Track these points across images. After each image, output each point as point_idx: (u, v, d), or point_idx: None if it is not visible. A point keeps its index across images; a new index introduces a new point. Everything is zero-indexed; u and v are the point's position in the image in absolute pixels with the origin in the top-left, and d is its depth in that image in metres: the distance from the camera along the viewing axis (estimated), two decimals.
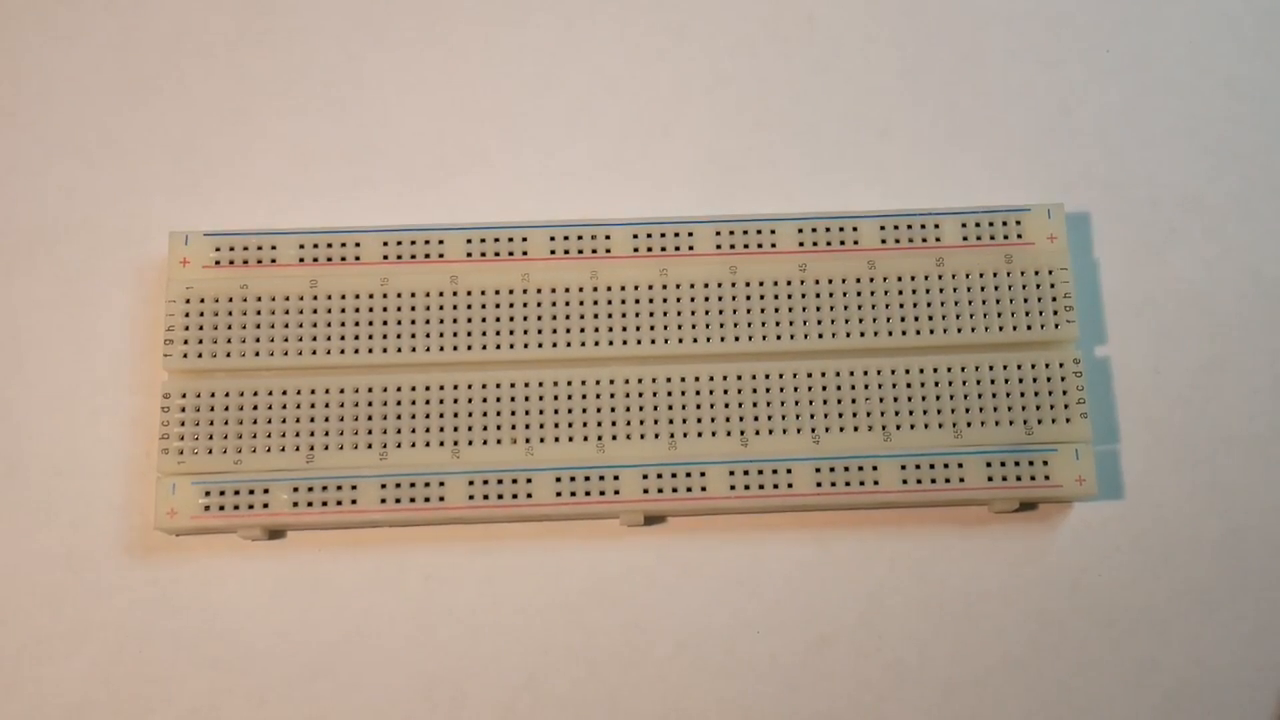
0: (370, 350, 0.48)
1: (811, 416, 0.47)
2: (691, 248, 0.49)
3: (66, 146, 0.52)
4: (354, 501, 0.47)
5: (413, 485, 0.47)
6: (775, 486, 0.47)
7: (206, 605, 0.48)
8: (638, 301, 0.48)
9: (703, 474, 0.47)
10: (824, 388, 0.48)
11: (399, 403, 0.47)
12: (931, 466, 0.47)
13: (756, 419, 0.47)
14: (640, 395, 0.47)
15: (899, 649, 0.47)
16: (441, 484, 0.47)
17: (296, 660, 0.47)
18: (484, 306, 0.48)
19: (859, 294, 0.48)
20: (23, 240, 0.51)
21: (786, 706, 0.47)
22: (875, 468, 0.47)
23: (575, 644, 0.47)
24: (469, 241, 0.49)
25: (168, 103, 0.52)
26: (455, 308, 0.48)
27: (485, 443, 0.47)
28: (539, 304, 0.48)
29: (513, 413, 0.47)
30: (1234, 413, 0.49)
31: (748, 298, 0.48)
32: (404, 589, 0.48)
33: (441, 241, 0.49)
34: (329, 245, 0.49)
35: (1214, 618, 0.47)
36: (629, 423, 0.47)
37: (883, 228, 0.49)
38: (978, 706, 0.47)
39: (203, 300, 0.48)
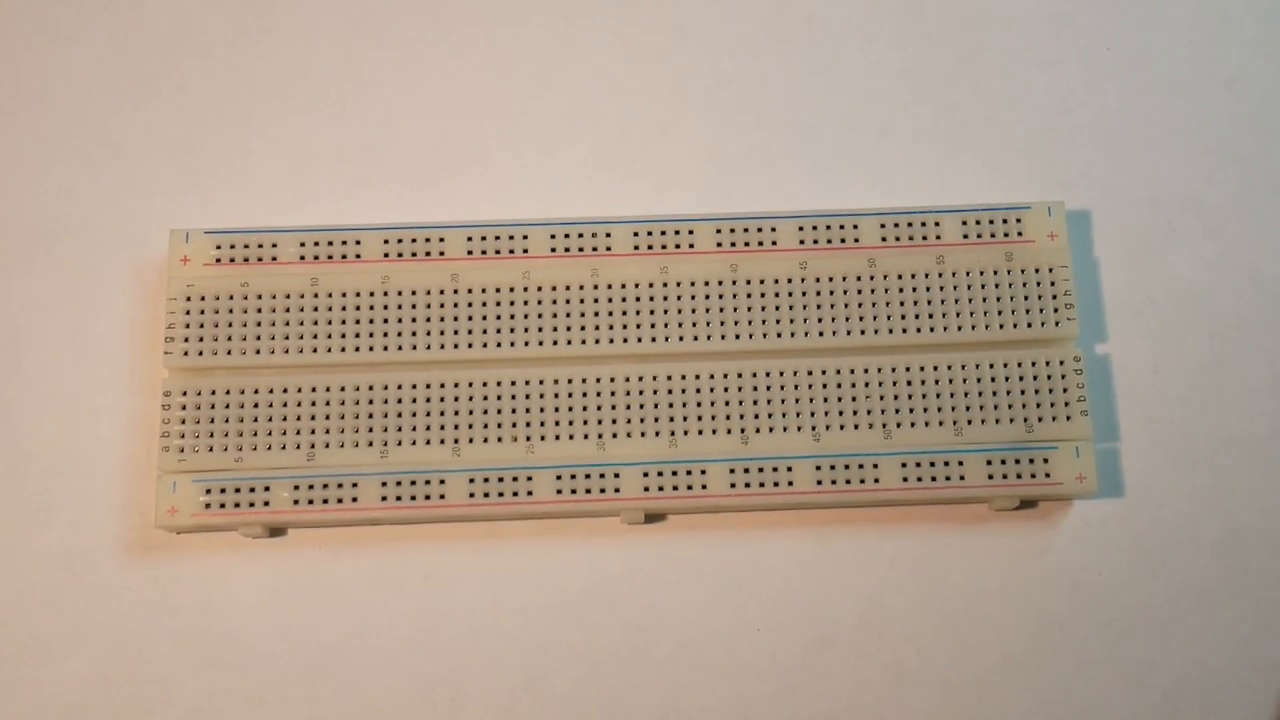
0: (371, 348, 0.48)
1: (812, 414, 0.47)
2: (692, 246, 0.49)
3: (66, 146, 0.52)
4: (355, 500, 0.47)
5: (413, 483, 0.47)
6: (776, 484, 0.47)
7: (207, 604, 0.48)
8: (638, 299, 0.48)
9: (703, 472, 0.47)
10: (824, 386, 0.48)
11: (399, 401, 0.47)
12: (932, 464, 0.47)
13: (757, 417, 0.47)
14: (641, 393, 0.47)
15: (899, 649, 0.47)
16: (442, 482, 0.47)
17: (296, 660, 0.47)
18: (484, 304, 0.48)
19: (859, 292, 0.48)
20: (23, 240, 0.51)
21: (786, 706, 0.47)
22: (876, 465, 0.47)
23: (575, 643, 0.47)
24: (469, 239, 0.49)
25: (168, 103, 0.52)
26: (456, 306, 0.48)
27: (486, 441, 0.47)
28: (539, 302, 0.48)
29: (513, 411, 0.47)
30: (1234, 413, 0.49)
31: (748, 296, 0.48)
32: (404, 588, 0.48)
33: (442, 239, 0.49)
34: (329, 243, 0.49)
35: (1214, 618, 0.47)
36: (629, 421, 0.47)
37: (883, 225, 0.49)
38: (977, 707, 0.47)
39: (203, 298, 0.48)
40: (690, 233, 0.49)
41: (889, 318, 0.48)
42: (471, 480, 0.47)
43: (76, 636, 0.47)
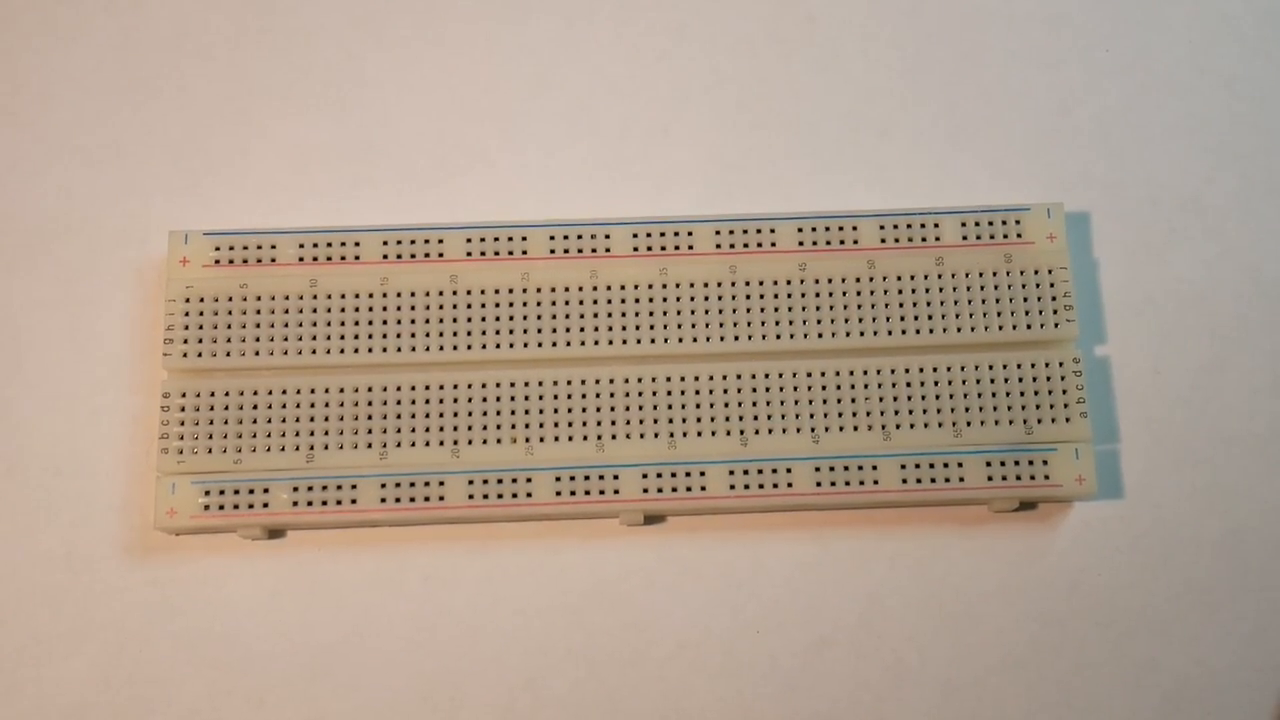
0: (370, 349, 0.48)
1: (811, 416, 0.47)
2: (691, 247, 0.49)
3: (66, 146, 0.52)
4: (354, 501, 0.47)
5: (412, 485, 0.47)
6: (775, 486, 0.47)
7: (206, 605, 0.48)
8: (638, 301, 0.48)
9: (702, 473, 0.47)
10: (824, 387, 0.47)
11: (399, 402, 0.47)
12: (931, 466, 0.47)
13: (756, 418, 0.47)
14: (640, 394, 0.47)
15: (899, 649, 0.47)
16: (441, 483, 0.47)
17: (296, 660, 0.47)
18: (484, 305, 0.48)
19: (859, 293, 0.48)
20: (23, 240, 0.51)
21: (786, 707, 0.47)
22: (875, 467, 0.47)
23: (575, 644, 0.47)
24: (469, 241, 0.49)
25: (168, 102, 0.52)
26: (455, 307, 0.48)
27: (485, 442, 0.47)
28: (539, 303, 0.48)
29: (512, 412, 0.47)
30: (1234, 413, 0.49)
31: (747, 297, 0.48)
32: (404, 589, 0.48)
33: (441, 241, 0.49)
34: (329, 244, 0.49)
35: (1214, 618, 0.47)
36: (629, 421, 0.47)
37: (882, 227, 0.49)
38: (977, 707, 0.47)
39: (202, 299, 0.48)
40: (689, 234, 0.49)
41: (888, 319, 0.48)
42: (470, 482, 0.47)
43: (76, 636, 0.48)
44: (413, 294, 0.48)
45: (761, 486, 0.47)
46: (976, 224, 0.49)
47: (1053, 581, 0.48)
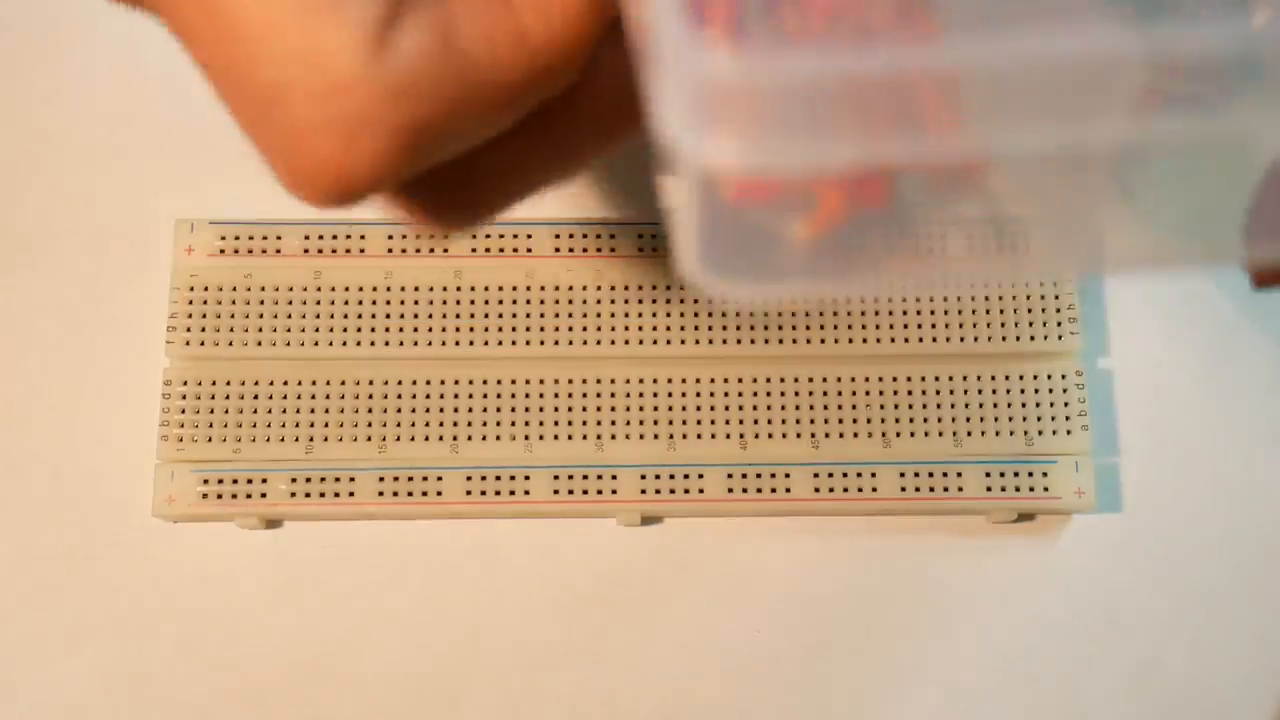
0: (373, 343, 0.48)
1: (812, 421, 0.47)
2: None
3: (70, 143, 0.52)
4: (351, 494, 0.47)
5: (410, 479, 0.47)
6: (774, 490, 0.47)
7: (205, 599, 0.48)
8: (640, 302, 0.48)
9: (701, 476, 0.47)
10: (824, 393, 0.47)
11: (399, 396, 0.47)
12: (930, 475, 0.47)
13: (757, 422, 0.47)
14: (641, 395, 0.47)
15: (899, 652, 0.47)
16: (440, 479, 0.47)
17: (295, 656, 0.47)
18: (487, 302, 0.48)
19: (861, 300, 0.48)
20: (27, 234, 0.51)
21: (785, 708, 0.47)
22: (874, 474, 0.47)
23: (576, 643, 0.47)
24: (474, 237, 0.49)
25: (174, 91, 0.52)
26: (459, 302, 0.48)
27: (484, 438, 0.47)
28: (542, 300, 0.48)
29: (513, 409, 0.47)
30: (1234, 422, 0.49)
31: None
32: (402, 584, 0.48)
33: (446, 236, 0.49)
34: (334, 236, 0.49)
35: (1213, 625, 0.47)
36: (629, 422, 0.47)
37: None
38: (977, 710, 0.47)
39: (206, 288, 0.48)
40: None
41: (891, 327, 0.48)
42: (469, 478, 0.47)
43: (76, 633, 0.47)
44: (416, 288, 0.48)
45: (760, 490, 0.47)
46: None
47: (1050, 591, 0.48)
